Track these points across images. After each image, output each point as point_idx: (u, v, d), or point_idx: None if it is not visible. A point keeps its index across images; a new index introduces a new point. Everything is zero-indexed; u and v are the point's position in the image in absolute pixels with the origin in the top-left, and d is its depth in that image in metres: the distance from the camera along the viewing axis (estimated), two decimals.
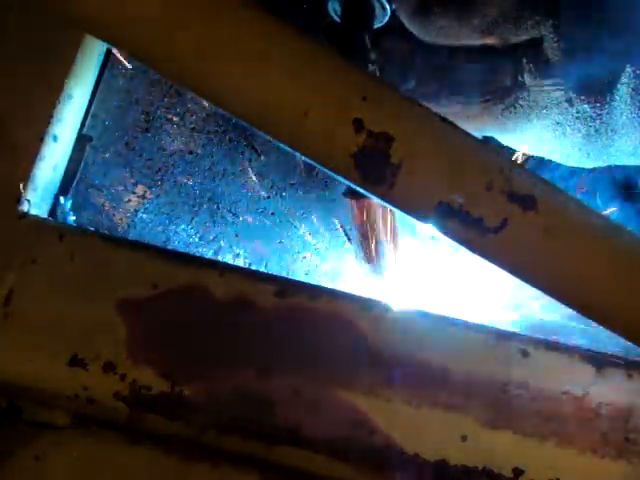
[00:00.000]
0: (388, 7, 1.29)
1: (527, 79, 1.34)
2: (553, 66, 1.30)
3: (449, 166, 0.93)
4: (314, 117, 0.90)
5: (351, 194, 1.42)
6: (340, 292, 1.16)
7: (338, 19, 1.33)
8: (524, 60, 1.33)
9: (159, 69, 0.96)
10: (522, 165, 0.96)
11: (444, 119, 0.95)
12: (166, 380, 1.09)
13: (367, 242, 1.49)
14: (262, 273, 1.25)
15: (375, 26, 1.32)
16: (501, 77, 1.37)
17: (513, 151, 1.49)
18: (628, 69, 1.28)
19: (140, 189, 1.66)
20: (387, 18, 1.32)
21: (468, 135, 0.96)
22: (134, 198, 1.66)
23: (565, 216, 0.95)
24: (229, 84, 0.91)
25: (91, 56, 1.26)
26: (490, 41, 1.32)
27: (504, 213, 0.92)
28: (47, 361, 1.10)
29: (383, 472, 1.07)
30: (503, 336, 1.12)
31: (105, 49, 1.30)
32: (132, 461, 1.10)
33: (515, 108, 1.38)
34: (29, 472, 1.10)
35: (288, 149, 0.96)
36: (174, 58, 0.91)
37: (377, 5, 1.29)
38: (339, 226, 1.72)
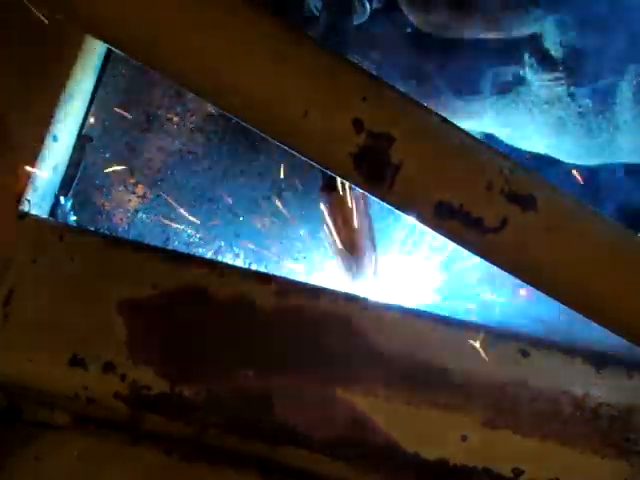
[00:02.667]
0: (368, 6, 1.29)
1: (529, 74, 1.33)
2: (555, 61, 1.30)
3: (449, 166, 0.92)
4: (314, 117, 0.90)
5: (326, 189, 1.40)
6: (340, 292, 1.16)
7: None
8: (526, 55, 1.32)
9: (159, 69, 0.96)
10: (522, 165, 0.96)
11: (444, 119, 0.95)
12: (166, 380, 1.09)
13: (342, 237, 1.46)
14: (262, 273, 1.24)
15: (356, 22, 1.32)
16: (502, 72, 1.36)
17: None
18: (631, 66, 1.28)
19: (140, 189, 1.66)
20: (367, 16, 1.31)
21: (468, 135, 0.96)
22: (134, 198, 1.66)
23: (565, 216, 0.95)
24: (229, 84, 0.91)
25: (91, 56, 1.27)
26: (492, 35, 1.31)
27: (504, 213, 0.92)
28: (47, 361, 1.10)
29: (383, 472, 1.07)
30: (503, 336, 1.12)
31: (105, 49, 1.30)
32: (132, 461, 1.11)
33: (517, 103, 1.38)
34: (29, 472, 1.10)
35: (288, 149, 0.96)
36: (174, 58, 0.91)
37: (357, 3, 1.29)
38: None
